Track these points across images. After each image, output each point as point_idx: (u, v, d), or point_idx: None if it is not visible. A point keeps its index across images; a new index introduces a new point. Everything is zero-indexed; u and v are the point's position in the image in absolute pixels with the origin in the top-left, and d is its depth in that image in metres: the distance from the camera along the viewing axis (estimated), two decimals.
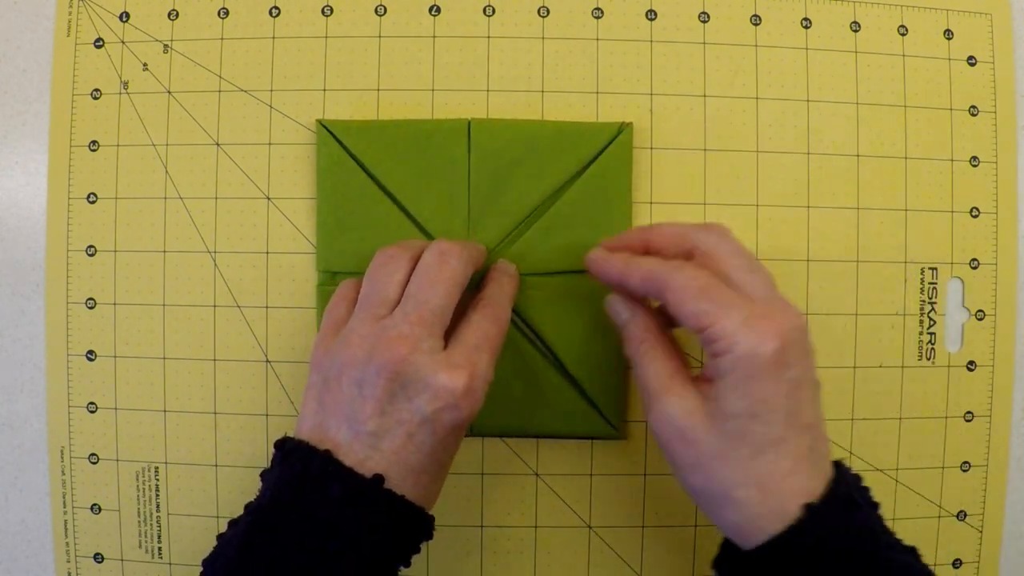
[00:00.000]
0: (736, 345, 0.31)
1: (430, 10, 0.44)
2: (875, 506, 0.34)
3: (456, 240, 0.39)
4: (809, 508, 0.31)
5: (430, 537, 0.36)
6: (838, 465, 0.33)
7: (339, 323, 0.37)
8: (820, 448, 0.33)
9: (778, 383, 0.31)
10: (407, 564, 0.35)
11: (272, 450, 0.35)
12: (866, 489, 0.34)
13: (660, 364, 0.35)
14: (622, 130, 0.42)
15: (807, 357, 0.33)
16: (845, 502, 0.32)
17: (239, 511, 0.34)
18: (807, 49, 0.44)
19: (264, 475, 0.35)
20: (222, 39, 0.44)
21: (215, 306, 0.44)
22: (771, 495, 0.31)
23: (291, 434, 0.35)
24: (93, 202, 0.44)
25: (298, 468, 0.33)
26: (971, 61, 0.45)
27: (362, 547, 0.32)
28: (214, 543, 0.34)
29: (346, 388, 0.34)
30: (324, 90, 0.43)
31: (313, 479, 0.32)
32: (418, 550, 0.35)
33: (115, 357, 0.44)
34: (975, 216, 0.45)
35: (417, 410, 0.33)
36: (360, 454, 0.33)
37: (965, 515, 0.45)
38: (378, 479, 0.33)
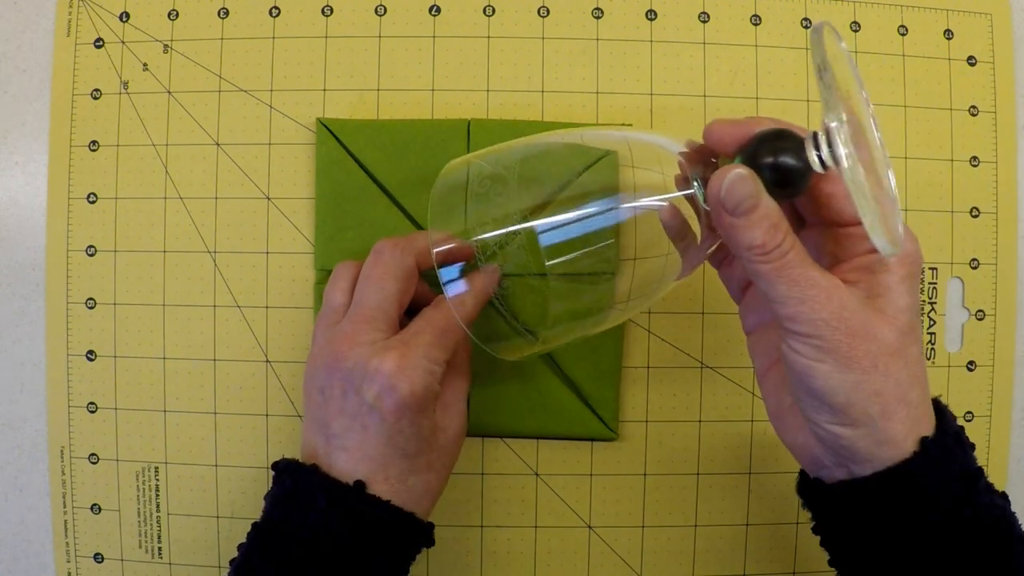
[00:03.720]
0: (905, 242, 0.30)
1: (430, 10, 0.44)
2: (973, 447, 0.33)
3: (397, 235, 0.38)
4: (923, 441, 0.30)
5: (429, 543, 0.36)
6: (937, 403, 0.32)
7: None
8: None
9: (918, 284, 0.31)
10: (404, 572, 0.35)
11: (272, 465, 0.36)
12: (962, 428, 0.32)
13: (810, 256, 0.30)
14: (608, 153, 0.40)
15: None
16: (956, 439, 0.31)
17: (239, 511, 0.35)
18: (807, 49, 0.44)
19: (265, 497, 0.35)
20: (222, 39, 0.44)
21: (215, 306, 0.44)
22: (927, 399, 0.31)
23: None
24: (93, 202, 0.44)
25: (288, 484, 0.34)
26: (971, 61, 0.45)
27: (353, 555, 0.33)
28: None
29: (315, 398, 0.35)
30: (324, 90, 0.43)
31: (301, 493, 0.33)
32: (414, 559, 0.36)
33: (115, 357, 0.44)
34: (975, 216, 0.45)
35: (363, 400, 0.34)
36: (333, 457, 0.34)
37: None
38: (359, 484, 0.33)
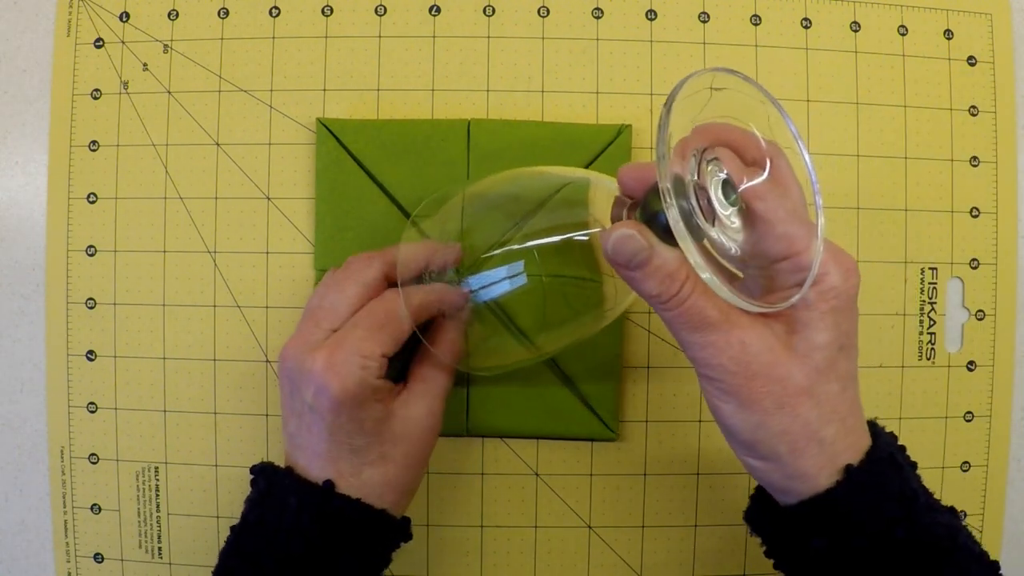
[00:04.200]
0: (827, 276, 0.29)
1: (430, 10, 0.44)
2: (914, 465, 0.33)
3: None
4: (847, 470, 0.29)
5: (405, 538, 0.36)
6: (872, 424, 0.32)
7: None
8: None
9: (855, 317, 0.30)
10: (382, 567, 0.35)
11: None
12: (902, 447, 0.33)
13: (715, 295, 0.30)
14: (621, 132, 0.42)
15: None
16: (889, 461, 0.31)
17: (239, 511, 0.35)
18: (807, 49, 0.44)
19: (246, 500, 0.36)
20: (222, 39, 0.44)
21: (215, 306, 0.44)
22: (851, 431, 0.30)
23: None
24: (93, 202, 0.44)
25: (262, 486, 0.35)
26: (971, 61, 0.45)
27: (325, 555, 0.33)
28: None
29: (283, 404, 0.36)
30: (324, 90, 0.43)
31: (274, 495, 0.34)
32: (390, 554, 0.36)
33: (115, 357, 0.44)
34: (975, 216, 0.45)
35: (304, 400, 0.34)
36: (295, 456, 0.35)
37: (965, 515, 0.45)
38: (328, 484, 0.33)
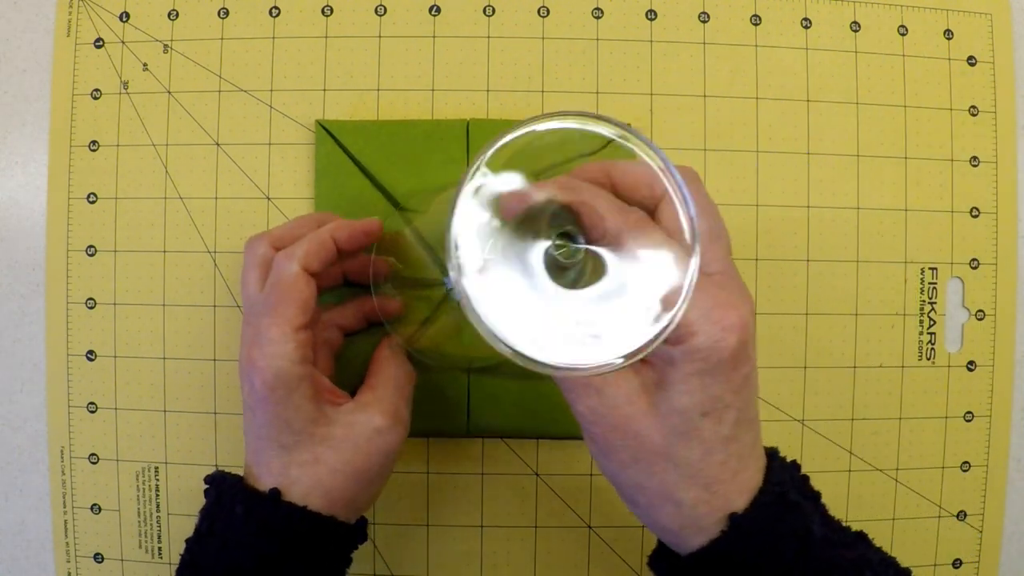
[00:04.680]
0: (694, 336, 0.27)
1: (430, 10, 0.44)
2: (815, 497, 0.31)
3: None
4: (732, 518, 0.28)
5: (360, 539, 0.36)
6: (771, 458, 0.31)
7: None
8: (760, 440, 0.30)
9: (732, 380, 0.28)
10: (343, 568, 0.35)
11: None
12: (804, 479, 0.31)
13: None
14: None
15: (755, 348, 0.30)
16: (774, 504, 0.29)
17: None
18: (807, 49, 0.44)
19: (199, 511, 0.35)
20: (222, 39, 0.44)
21: (215, 306, 0.44)
22: (718, 495, 0.28)
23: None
24: (93, 202, 0.44)
25: (213, 496, 0.34)
26: (971, 61, 0.45)
27: (273, 564, 0.32)
28: None
29: None
30: (324, 90, 0.43)
31: (223, 504, 0.33)
32: (348, 559, 0.36)
33: (115, 357, 0.44)
34: (975, 216, 0.45)
35: (244, 399, 0.34)
36: (246, 457, 0.35)
37: (965, 515, 0.45)
38: (274, 492, 0.33)
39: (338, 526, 0.34)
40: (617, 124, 0.27)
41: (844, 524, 0.31)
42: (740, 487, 0.29)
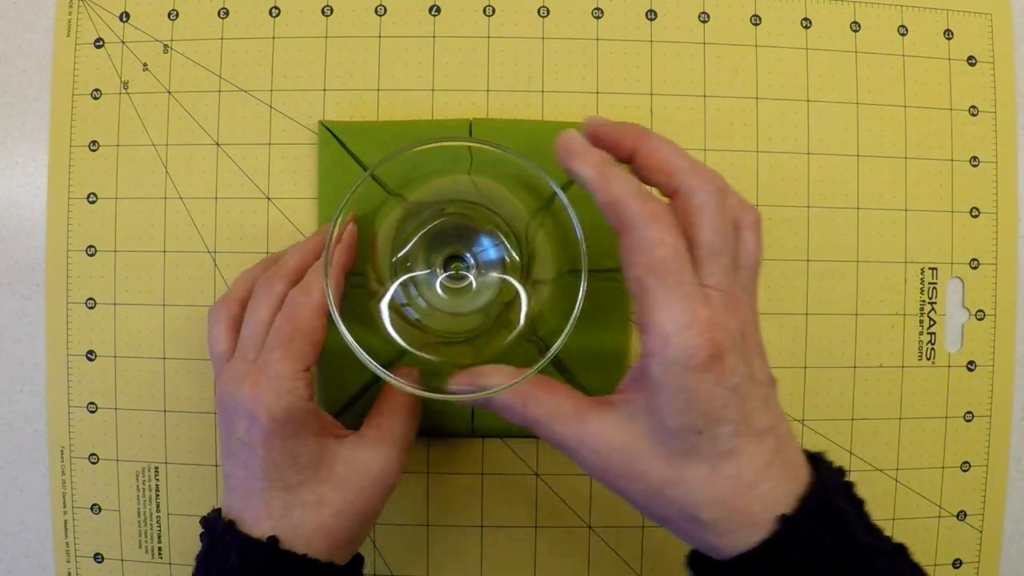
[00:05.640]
0: (667, 349, 0.27)
1: (430, 10, 0.44)
2: (859, 504, 0.31)
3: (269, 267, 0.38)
4: (783, 520, 0.28)
5: None
6: (819, 463, 0.31)
7: None
8: (787, 451, 0.30)
9: (718, 395, 0.28)
10: None
11: None
12: (849, 485, 0.31)
13: (561, 401, 0.31)
14: None
15: (755, 359, 0.30)
16: (820, 510, 0.29)
17: None
18: (807, 49, 0.44)
19: (196, 557, 0.34)
20: (222, 39, 0.44)
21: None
22: (738, 510, 0.28)
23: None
24: (93, 202, 0.44)
25: (207, 543, 0.33)
26: (971, 61, 0.45)
27: None
28: None
29: (220, 449, 0.35)
30: (324, 90, 0.43)
31: (217, 551, 0.32)
32: None
33: (115, 357, 0.44)
34: (975, 216, 0.45)
35: (239, 438, 0.32)
36: (228, 500, 0.33)
37: (965, 515, 0.45)
38: (272, 540, 0.32)
39: (336, 571, 0.33)
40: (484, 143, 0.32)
41: (886, 534, 0.31)
42: (764, 500, 0.29)
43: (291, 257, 0.37)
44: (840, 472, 0.31)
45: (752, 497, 0.28)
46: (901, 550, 0.31)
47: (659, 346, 0.28)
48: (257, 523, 0.32)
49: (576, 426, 0.30)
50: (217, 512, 0.34)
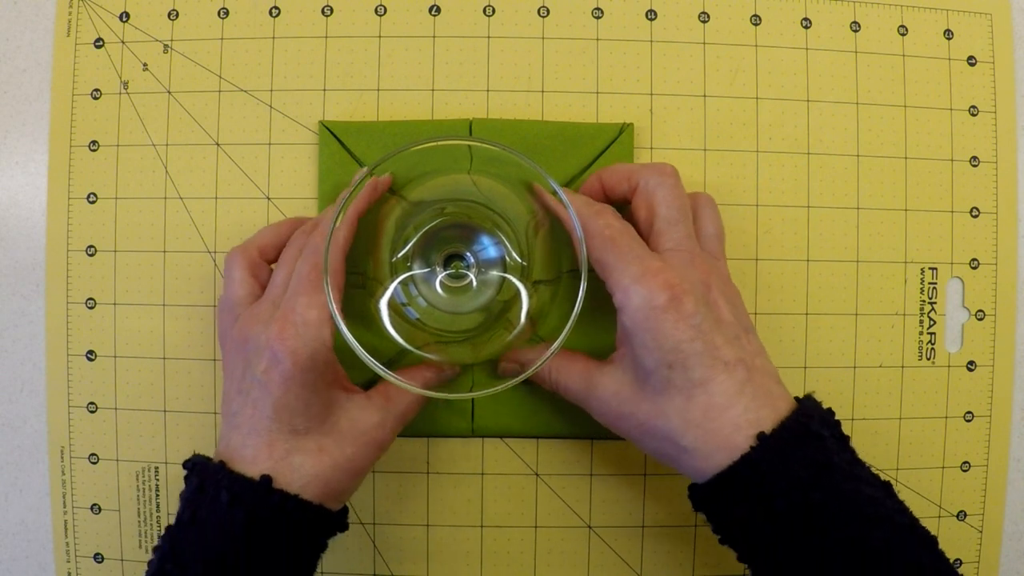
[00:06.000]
0: (629, 301, 0.32)
1: (430, 10, 0.44)
2: (844, 439, 0.34)
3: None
4: (759, 437, 0.31)
5: (342, 528, 0.36)
6: (805, 399, 0.34)
7: None
8: (761, 380, 0.33)
9: (682, 330, 0.32)
10: (319, 552, 0.35)
11: None
12: (834, 421, 0.34)
13: (576, 365, 0.37)
14: (623, 131, 0.42)
15: (723, 305, 0.34)
16: (799, 433, 0.32)
17: None
18: (807, 49, 0.44)
19: (180, 497, 0.34)
20: (222, 39, 0.44)
21: (215, 306, 0.44)
22: (714, 433, 0.32)
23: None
24: (93, 202, 0.44)
25: (195, 482, 0.33)
26: (971, 61, 0.45)
27: (261, 549, 0.32)
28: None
29: (224, 383, 0.37)
30: (324, 90, 0.43)
31: (207, 490, 0.33)
32: (325, 543, 0.35)
33: (115, 357, 0.44)
34: (975, 216, 0.45)
35: (255, 376, 0.33)
36: (228, 439, 0.34)
37: (965, 515, 0.45)
38: (266, 479, 0.32)
39: (326, 514, 0.34)
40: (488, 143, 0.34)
41: (874, 471, 0.33)
42: (737, 423, 0.32)
43: (266, 232, 0.39)
44: (828, 411, 0.34)
45: (725, 420, 0.32)
46: (887, 487, 0.33)
47: (623, 299, 0.33)
48: (256, 461, 0.33)
49: (586, 383, 0.36)
50: (201, 456, 0.34)
